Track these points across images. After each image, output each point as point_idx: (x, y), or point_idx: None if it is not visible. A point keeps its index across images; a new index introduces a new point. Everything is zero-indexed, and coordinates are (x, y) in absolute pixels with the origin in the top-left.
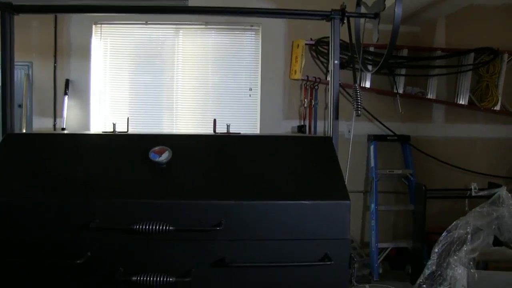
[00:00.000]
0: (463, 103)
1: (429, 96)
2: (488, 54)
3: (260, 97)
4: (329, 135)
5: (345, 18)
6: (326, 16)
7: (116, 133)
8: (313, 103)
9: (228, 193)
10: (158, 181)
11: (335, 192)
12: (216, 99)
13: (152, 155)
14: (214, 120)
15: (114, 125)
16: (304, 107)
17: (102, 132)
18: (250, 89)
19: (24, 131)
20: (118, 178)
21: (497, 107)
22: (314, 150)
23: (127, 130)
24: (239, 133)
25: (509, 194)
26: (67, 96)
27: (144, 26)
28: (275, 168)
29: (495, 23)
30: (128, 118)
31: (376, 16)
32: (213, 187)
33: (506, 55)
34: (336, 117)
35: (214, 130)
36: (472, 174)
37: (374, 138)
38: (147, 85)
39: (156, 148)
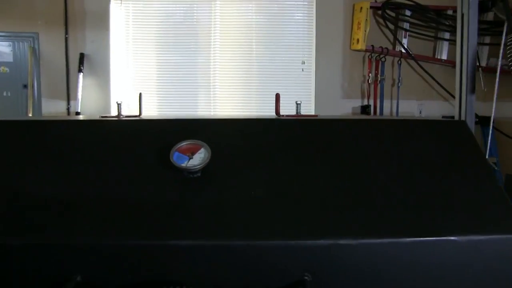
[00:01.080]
0: None
1: None
2: None
3: (314, 72)
4: (460, 117)
5: None
6: None
7: (122, 118)
8: (379, 79)
9: (314, 225)
10: (187, 203)
11: (500, 218)
12: (262, 76)
13: (176, 157)
14: (277, 96)
15: (119, 105)
16: (368, 83)
17: (100, 117)
18: (303, 63)
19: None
20: (119, 198)
21: None
22: (447, 144)
23: (140, 113)
24: (316, 115)
25: None
26: (82, 73)
27: None
28: (391, 175)
29: None
30: (140, 95)
31: None
32: (285, 212)
33: None
34: (472, 90)
35: (277, 111)
36: None
37: None
38: (178, 60)
39: (184, 145)
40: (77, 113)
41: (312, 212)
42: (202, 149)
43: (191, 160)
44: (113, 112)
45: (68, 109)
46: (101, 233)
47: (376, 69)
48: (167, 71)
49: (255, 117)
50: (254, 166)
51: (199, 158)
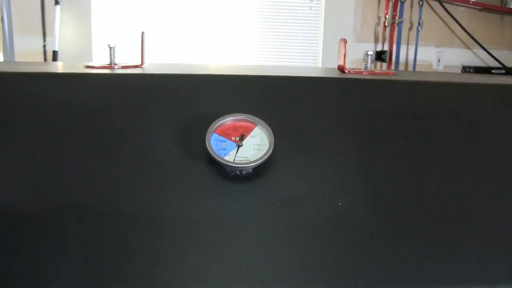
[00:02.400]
0: None
1: None
2: None
3: (323, 11)
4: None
5: None
6: None
7: (117, 69)
8: (396, 21)
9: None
10: (231, 222)
11: None
12: (265, 13)
13: (214, 143)
14: (343, 42)
15: (111, 49)
16: (385, 26)
17: (86, 67)
18: (311, 0)
19: (1, 54)
20: (117, 217)
21: None
22: None
23: (142, 62)
24: (394, 72)
25: None
26: (59, 5)
27: None
28: None
29: None
30: (143, 34)
31: None
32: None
33: None
34: None
35: (343, 66)
36: None
37: (475, 71)
38: None
39: (227, 121)
40: (54, 52)
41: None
42: (258, 130)
43: (240, 149)
44: (100, 57)
45: (44, 46)
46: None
47: (394, 10)
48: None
49: (314, 75)
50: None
51: (253, 145)
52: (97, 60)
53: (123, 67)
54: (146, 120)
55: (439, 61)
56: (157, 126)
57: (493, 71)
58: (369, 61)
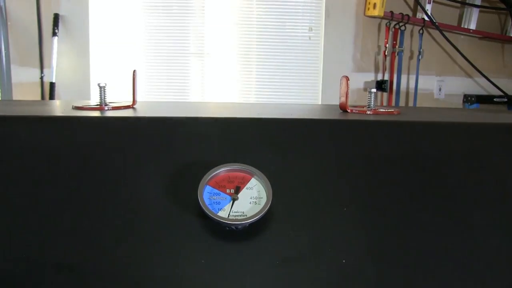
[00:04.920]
0: None
1: None
2: None
3: (323, 41)
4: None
5: None
6: None
7: (107, 110)
8: (397, 50)
9: None
10: (227, 282)
11: None
12: (262, 44)
13: (207, 196)
14: (344, 80)
15: (101, 89)
16: (385, 55)
17: (74, 108)
18: (310, 29)
19: None
20: (106, 269)
21: None
22: None
23: (134, 102)
24: (398, 111)
25: None
26: (56, 37)
27: None
28: None
29: None
30: (134, 72)
31: None
32: None
33: None
34: None
35: (345, 104)
36: None
37: (477, 100)
38: (167, 24)
39: (221, 171)
40: (52, 84)
41: None
42: (255, 181)
43: (236, 203)
44: (93, 95)
45: (41, 78)
46: None
47: (394, 38)
48: (154, 37)
49: (314, 117)
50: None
51: (250, 198)
52: (94, 93)
53: (114, 108)
54: (135, 168)
55: (440, 89)
56: (147, 175)
57: (495, 99)
58: (372, 99)
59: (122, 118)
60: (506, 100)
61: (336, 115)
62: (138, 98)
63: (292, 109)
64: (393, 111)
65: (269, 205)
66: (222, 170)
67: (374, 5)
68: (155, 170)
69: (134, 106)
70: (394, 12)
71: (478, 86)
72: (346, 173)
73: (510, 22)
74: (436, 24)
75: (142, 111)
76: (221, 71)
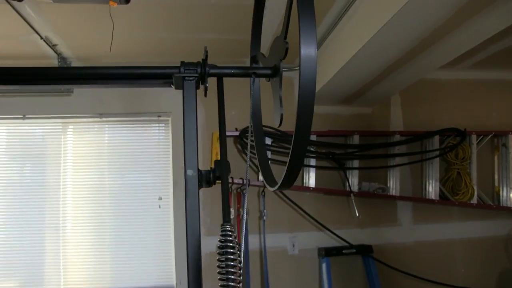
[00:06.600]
0: (433, 198)
1: (392, 192)
2: (454, 136)
3: (173, 208)
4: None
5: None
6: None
7: None
8: (241, 213)
9: None
10: None
11: None
12: (116, 213)
13: None
14: None
15: None
16: (231, 218)
17: None
18: (160, 198)
19: None
20: None
21: (474, 200)
22: None
23: None
24: None
25: None
26: None
27: (21, 122)
28: None
29: (457, 100)
30: None
31: (274, 73)
32: None
33: (474, 136)
34: None
35: None
36: None
37: (326, 253)
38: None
39: None
40: None
41: None
42: None
43: None
44: None
45: None
46: None
47: (238, 202)
48: (10, 206)
49: None
50: None
51: None
52: None
53: None
54: None
55: (294, 245)
56: None
57: (344, 251)
58: None
59: None
60: (354, 250)
61: None
62: None
63: None
64: None
65: None
66: None
67: None
68: None
69: None
70: (236, 177)
71: (331, 238)
72: None
73: (347, 179)
74: None
75: None
76: (77, 242)
